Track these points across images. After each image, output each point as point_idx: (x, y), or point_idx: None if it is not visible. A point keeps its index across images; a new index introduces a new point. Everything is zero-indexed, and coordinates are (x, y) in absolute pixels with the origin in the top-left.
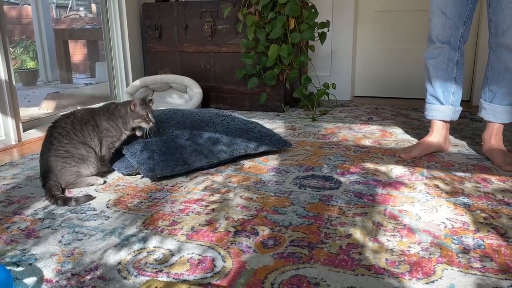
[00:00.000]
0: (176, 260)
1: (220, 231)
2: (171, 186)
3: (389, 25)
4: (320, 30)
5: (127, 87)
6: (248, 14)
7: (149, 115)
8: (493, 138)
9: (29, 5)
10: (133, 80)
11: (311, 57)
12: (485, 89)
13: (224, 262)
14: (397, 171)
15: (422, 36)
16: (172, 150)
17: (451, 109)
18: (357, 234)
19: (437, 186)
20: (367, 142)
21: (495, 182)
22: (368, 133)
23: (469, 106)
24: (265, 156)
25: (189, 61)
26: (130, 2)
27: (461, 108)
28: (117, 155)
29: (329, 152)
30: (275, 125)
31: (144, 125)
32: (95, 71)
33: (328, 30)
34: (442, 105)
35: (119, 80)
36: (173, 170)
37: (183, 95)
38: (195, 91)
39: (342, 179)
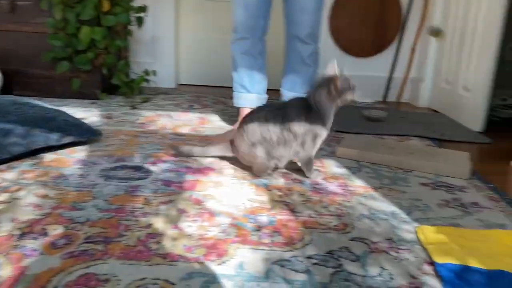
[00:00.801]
0: None
1: (1, 236)
2: None
3: (212, 14)
4: (137, 15)
5: None
6: None
7: None
8: None
9: None
10: None
11: (130, 43)
12: (285, 79)
13: (1, 270)
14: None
15: None
16: None
17: (258, 97)
18: (159, 223)
19: (243, 170)
20: (184, 130)
21: (293, 162)
22: (187, 121)
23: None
24: (73, 148)
25: None
26: None
27: (267, 96)
28: None
29: (144, 141)
30: (89, 114)
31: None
32: None
33: (146, 15)
34: (249, 93)
35: None
36: None
37: None
38: None
39: (153, 168)
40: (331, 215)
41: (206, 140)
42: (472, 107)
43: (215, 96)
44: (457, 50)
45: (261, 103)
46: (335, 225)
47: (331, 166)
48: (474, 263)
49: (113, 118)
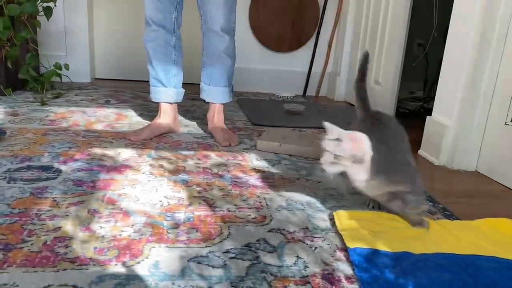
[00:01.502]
0: None
1: None
2: None
3: (128, 5)
4: (45, 4)
5: None
6: None
7: None
8: (215, 118)
9: None
10: None
11: (40, 34)
12: (203, 73)
13: None
14: (125, 154)
15: None
16: None
17: (174, 91)
18: (68, 226)
19: (162, 166)
20: (99, 126)
21: (214, 157)
22: (102, 117)
23: None
24: None
25: None
26: None
27: (184, 90)
28: None
29: (54, 139)
30: None
31: None
32: None
33: (55, 5)
34: (166, 88)
35: None
36: None
37: None
38: None
39: (63, 167)
40: (250, 208)
41: (122, 137)
42: (382, 100)
43: (133, 90)
44: (369, 45)
45: (179, 98)
46: (253, 218)
47: (252, 159)
48: (382, 247)
49: (19, 116)
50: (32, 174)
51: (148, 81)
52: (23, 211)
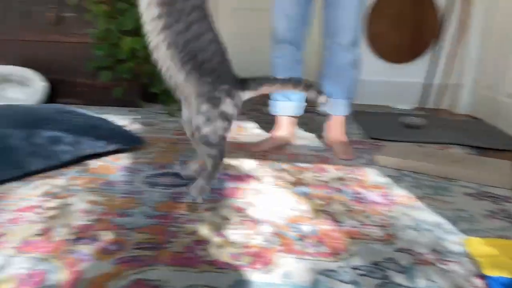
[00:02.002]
0: (0, 278)
1: (56, 241)
2: (1, 193)
3: (249, 22)
4: None
5: None
6: (98, 3)
7: None
8: (334, 130)
9: None
10: None
11: None
12: (325, 85)
13: (58, 274)
14: (247, 164)
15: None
16: (1, 153)
17: (296, 105)
18: (204, 230)
19: (282, 178)
20: None
21: (332, 171)
22: None
23: None
24: (116, 155)
25: (32, 51)
26: None
27: (306, 104)
28: None
29: (183, 148)
30: (130, 121)
31: None
32: None
33: None
34: (288, 102)
35: None
36: (3, 176)
37: (24, 89)
38: (39, 85)
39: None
40: (375, 225)
41: (242, 148)
42: None
43: (251, 103)
44: (501, 54)
45: (299, 111)
46: (379, 236)
47: (372, 175)
48: None
49: (153, 126)
50: (168, 180)
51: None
52: (165, 214)
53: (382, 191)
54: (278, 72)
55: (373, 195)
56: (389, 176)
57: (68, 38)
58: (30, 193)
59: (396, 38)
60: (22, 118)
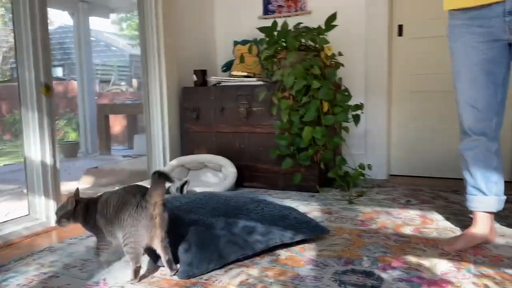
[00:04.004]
0: None
1: None
2: (206, 279)
3: (423, 104)
4: (354, 112)
5: (164, 165)
6: (283, 98)
7: None
8: None
9: (75, 80)
10: (170, 159)
11: (345, 138)
12: None
13: None
14: (441, 266)
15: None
16: (208, 242)
17: (496, 199)
18: None
19: (487, 286)
20: (407, 230)
21: None
22: (407, 219)
23: None
24: (301, 245)
25: (225, 141)
26: (170, 84)
27: (505, 197)
28: None
29: (368, 241)
30: (310, 208)
31: None
32: (133, 143)
33: (362, 112)
34: (486, 196)
35: (156, 157)
36: (208, 267)
37: (217, 173)
38: (230, 171)
39: (383, 275)
40: None
41: (433, 245)
42: None
43: (432, 189)
44: None
45: (499, 206)
46: None
47: None
48: None
49: (332, 214)
50: (357, 279)
51: (445, 178)
52: None
53: None
54: (470, 165)
55: None
56: None
57: (256, 129)
58: (230, 282)
59: None
60: (223, 207)
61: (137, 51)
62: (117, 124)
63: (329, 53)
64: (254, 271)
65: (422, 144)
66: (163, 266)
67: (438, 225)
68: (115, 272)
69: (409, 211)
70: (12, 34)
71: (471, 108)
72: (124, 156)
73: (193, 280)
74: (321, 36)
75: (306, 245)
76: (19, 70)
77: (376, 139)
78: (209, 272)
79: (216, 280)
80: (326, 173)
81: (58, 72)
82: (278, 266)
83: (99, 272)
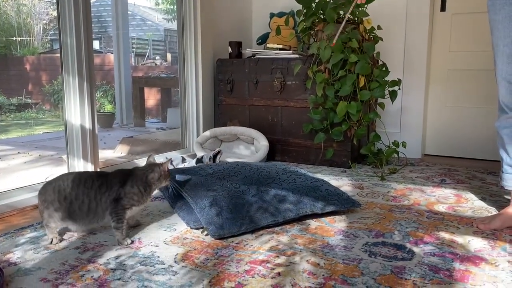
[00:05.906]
0: None
1: None
2: (237, 243)
3: (462, 84)
4: (391, 88)
5: (197, 136)
6: (318, 72)
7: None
8: None
9: (112, 53)
10: (203, 130)
11: (380, 114)
12: None
13: None
14: (475, 243)
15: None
16: (239, 207)
17: None
18: None
19: None
20: (441, 208)
21: None
22: (441, 198)
23: None
24: (332, 217)
25: (258, 114)
26: (205, 56)
27: None
28: (186, 205)
29: (400, 216)
30: (342, 182)
31: (168, 183)
32: (167, 116)
33: (399, 89)
34: None
35: (190, 129)
36: (239, 229)
37: (249, 146)
38: (262, 144)
39: (415, 249)
40: None
41: (468, 223)
42: None
43: (469, 169)
44: None
45: None
46: None
47: None
48: None
49: (364, 189)
50: (388, 251)
51: (482, 160)
52: None
53: None
54: (506, 142)
55: None
56: None
57: (289, 103)
58: (260, 247)
59: None
60: (255, 176)
61: (172, 25)
62: (151, 97)
63: (368, 27)
64: (284, 238)
65: (459, 124)
66: (196, 228)
67: (474, 204)
68: (150, 233)
69: (444, 190)
70: (52, 7)
71: (508, 84)
72: (158, 129)
73: (225, 243)
74: (360, 9)
75: (336, 216)
76: (61, 37)
77: (411, 117)
78: (240, 234)
79: (247, 244)
80: (359, 149)
81: (95, 44)
82: (308, 235)
83: (135, 232)
